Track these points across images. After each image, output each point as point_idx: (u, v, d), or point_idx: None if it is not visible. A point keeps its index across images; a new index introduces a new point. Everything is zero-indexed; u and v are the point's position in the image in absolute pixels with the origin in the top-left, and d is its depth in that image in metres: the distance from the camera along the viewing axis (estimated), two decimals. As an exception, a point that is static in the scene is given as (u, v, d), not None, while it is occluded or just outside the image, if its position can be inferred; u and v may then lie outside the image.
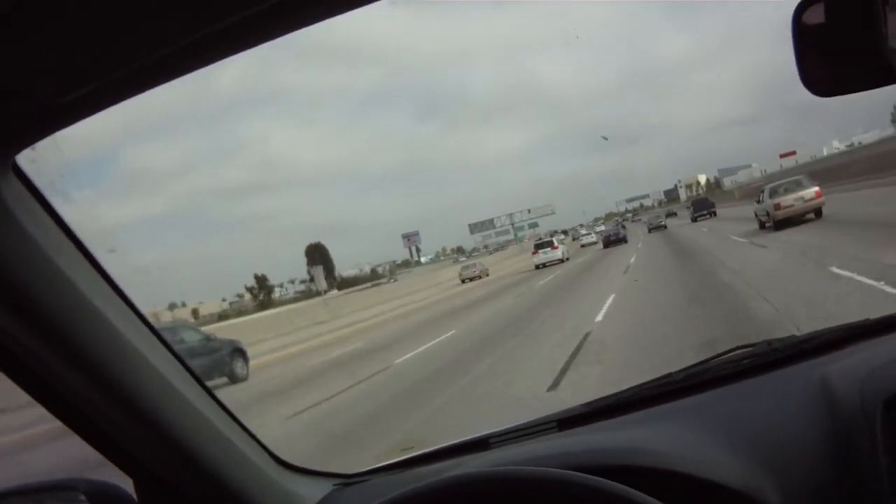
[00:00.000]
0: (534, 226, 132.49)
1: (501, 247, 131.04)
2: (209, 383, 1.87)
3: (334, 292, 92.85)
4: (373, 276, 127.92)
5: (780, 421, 1.78)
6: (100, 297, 1.53)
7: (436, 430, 9.50)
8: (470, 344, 17.66)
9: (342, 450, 9.33)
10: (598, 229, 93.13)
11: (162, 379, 1.67)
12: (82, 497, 1.75)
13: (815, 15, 1.48)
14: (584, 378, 10.27)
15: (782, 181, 29.03)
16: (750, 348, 2.24)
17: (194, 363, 1.96)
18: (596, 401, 2.26)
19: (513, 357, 14.28)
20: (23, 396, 1.62)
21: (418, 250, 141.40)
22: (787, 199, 25.83)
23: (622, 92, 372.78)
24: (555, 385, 10.28)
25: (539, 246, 54.67)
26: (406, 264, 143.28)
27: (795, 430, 1.72)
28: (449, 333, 20.92)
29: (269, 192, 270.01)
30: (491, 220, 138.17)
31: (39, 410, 1.67)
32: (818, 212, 25.66)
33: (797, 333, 2.32)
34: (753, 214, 30.40)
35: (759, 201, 29.27)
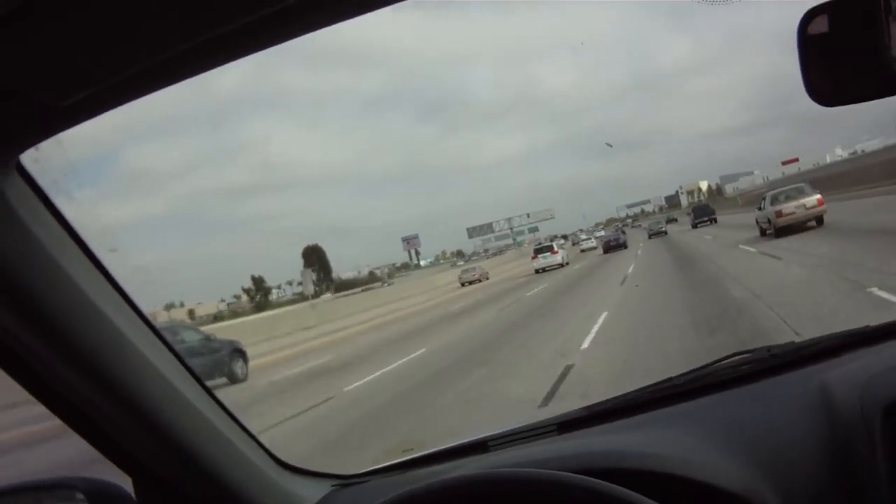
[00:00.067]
0: (534, 230, 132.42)
1: (500, 251, 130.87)
2: (208, 383, 1.87)
3: (327, 296, 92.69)
4: (370, 279, 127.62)
5: (780, 426, 1.78)
6: (101, 297, 1.54)
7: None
8: (433, 370, 15.53)
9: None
10: (597, 234, 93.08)
11: (162, 378, 1.67)
12: (81, 496, 1.75)
13: (820, 25, 1.49)
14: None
15: (784, 188, 29.06)
16: (749, 354, 2.23)
17: (194, 363, 1.96)
18: (596, 404, 2.26)
19: (473, 395, 11.77)
20: (20, 394, 1.62)
21: (417, 253, 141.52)
22: (789, 207, 25.82)
23: (625, 97, 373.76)
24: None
25: (539, 250, 54.56)
26: (405, 267, 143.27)
27: (795, 435, 1.73)
28: (418, 352, 18.97)
29: (271, 193, 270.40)
30: (489, 225, 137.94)
31: (38, 408, 1.67)
32: (820, 219, 25.66)
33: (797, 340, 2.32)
34: (755, 221, 30.36)
35: (760, 208, 29.28)
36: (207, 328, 28.23)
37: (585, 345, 13.62)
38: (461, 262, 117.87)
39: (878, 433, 1.54)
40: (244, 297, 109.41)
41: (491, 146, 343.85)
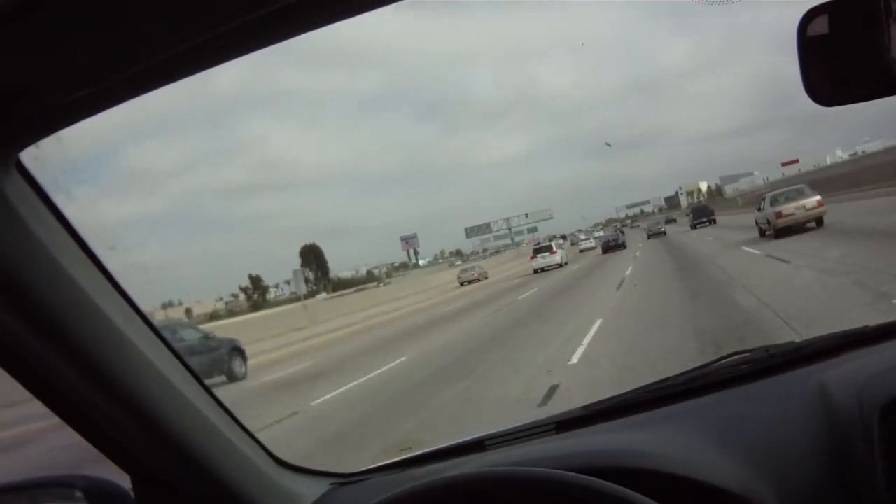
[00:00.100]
0: (533, 230, 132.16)
1: (498, 251, 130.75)
2: (206, 382, 1.87)
3: (323, 295, 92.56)
4: (369, 278, 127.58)
5: (778, 426, 1.79)
6: (101, 295, 1.54)
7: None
8: (408, 384, 14.34)
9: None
10: (596, 234, 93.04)
11: (161, 377, 1.67)
12: (79, 494, 1.76)
13: (820, 26, 1.50)
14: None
15: (784, 189, 29.05)
16: (748, 353, 2.24)
17: (192, 361, 1.96)
18: (594, 403, 2.26)
19: (443, 418, 10.44)
20: (18, 392, 1.62)
21: (416, 253, 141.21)
22: (789, 208, 25.78)
23: (625, 98, 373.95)
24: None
25: (538, 250, 54.55)
26: (404, 267, 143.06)
27: (793, 435, 1.73)
28: (397, 361, 17.92)
29: (270, 192, 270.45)
30: (487, 225, 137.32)
31: (36, 406, 1.67)
32: (819, 221, 25.64)
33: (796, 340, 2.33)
34: (754, 222, 30.33)
35: (759, 209, 29.26)
36: (202, 327, 28.14)
37: (574, 359, 12.25)
38: (458, 263, 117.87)
39: (875, 432, 1.54)
40: (242, 297, 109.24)
41: (490, 146, 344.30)
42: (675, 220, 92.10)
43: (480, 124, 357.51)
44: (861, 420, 1.59)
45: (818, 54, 1.51)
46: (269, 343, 31.82)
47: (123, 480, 1.81)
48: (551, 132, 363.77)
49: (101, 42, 1.12)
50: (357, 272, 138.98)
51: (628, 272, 29.74)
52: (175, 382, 1.71)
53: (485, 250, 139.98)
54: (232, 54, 1.26)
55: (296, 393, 16.53)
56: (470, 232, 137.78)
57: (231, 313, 79.91)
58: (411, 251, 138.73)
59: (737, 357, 2.24)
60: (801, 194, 26.46)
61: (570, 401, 8.76)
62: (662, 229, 65.61)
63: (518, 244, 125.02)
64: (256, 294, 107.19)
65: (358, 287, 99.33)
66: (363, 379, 16.30)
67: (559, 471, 1.45)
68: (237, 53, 1.25)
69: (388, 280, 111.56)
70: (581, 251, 70.65)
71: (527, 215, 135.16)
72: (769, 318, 11.37)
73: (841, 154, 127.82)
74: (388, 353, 20.11)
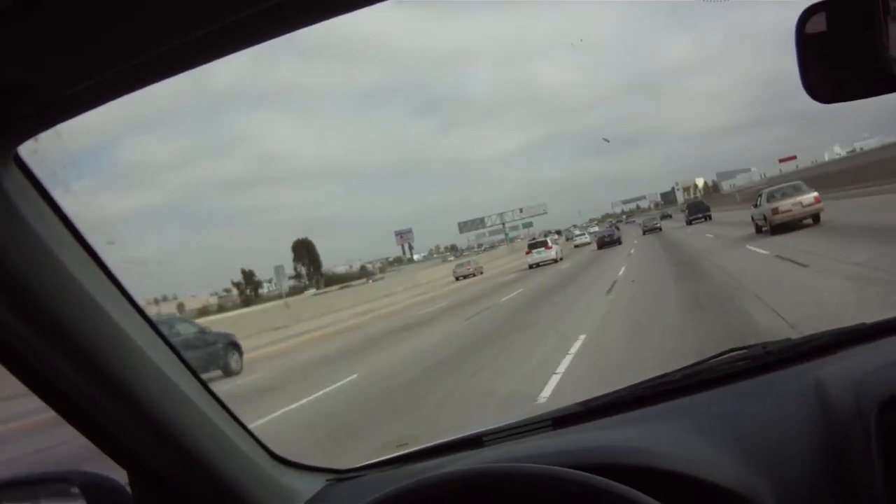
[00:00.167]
0: (528, 226, 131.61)
1: (492, 246, 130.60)
2: (202, 376, 1.87)
3: (312, 291, 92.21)
4: (362, 273, 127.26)
5: (775, 423, 1.79)
6: (98, 289, 1.54)
7: None
8: (348, 414, 11.91)
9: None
10: (591, 230, 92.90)
11: (159, 372, 1.67)
12: (76, 489, 1.75)
13: (818, 23, 1.50)
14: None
15: (780, 185, 29.04)
16: (745, 350, 2.25)
17: (189, 356, 1.96)
18: (591, 400, 2.27)
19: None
20: (15, 387, 1.62)
21: (411, 248, 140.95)
22: (786, 204, 25.68)
23: (622, 94, 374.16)
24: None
25: (533, 246, 54.35)
26: (398, 262, 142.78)
27: (790, 432, 1.73)
28: (348, 379, 15.45)
29: (267, 186, 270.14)
30: (481, 219, 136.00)
31: (32, 401, 1.66)
32: (816, 217, 25.59)
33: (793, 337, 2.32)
34: (750, 218, 30.29)
35: (756, 205, 29.19)
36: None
37: (545, 394, 9.84)
38: (451, 258, 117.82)
39: (873, 429, 1.54)
40: (235, 291, 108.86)
41: (487, 142, 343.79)
42: (670, 216, 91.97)
43: (477, 120, 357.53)
44: (858, 417, 1.59)
45: (816, 52, 1.51)
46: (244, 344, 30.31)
47: (120, 476, 1.81)
48: (548, 128, 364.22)
49: (99, 36, 1.13)
50: (351, 267, 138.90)
51: (621, 272, 27.63)
52: (172, 378, 1.71)
53: (480, 245, 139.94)
54: (230, 49, 1.26)
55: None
56: (463, 227, 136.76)
57: (221, 308, 79.45)
58: (406, 246, 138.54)
59: (734, 354, 2.24)
60: (797, 191, 26.40)
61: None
62: (658, 225, 65.42)
63: (512, 240, 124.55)
64: (249, 289, 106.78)
65: (343, 284, 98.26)
66: (305, 400, 13.92)
67: (556, 467, 1.45)
68: (236, 48, 1.26)
69: (380, 275, 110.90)
70: (576, 246, 70.58)
71: (521, 210, 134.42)
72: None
73: (839, 151, 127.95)
74: (344, 365, 17.99)
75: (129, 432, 1.70)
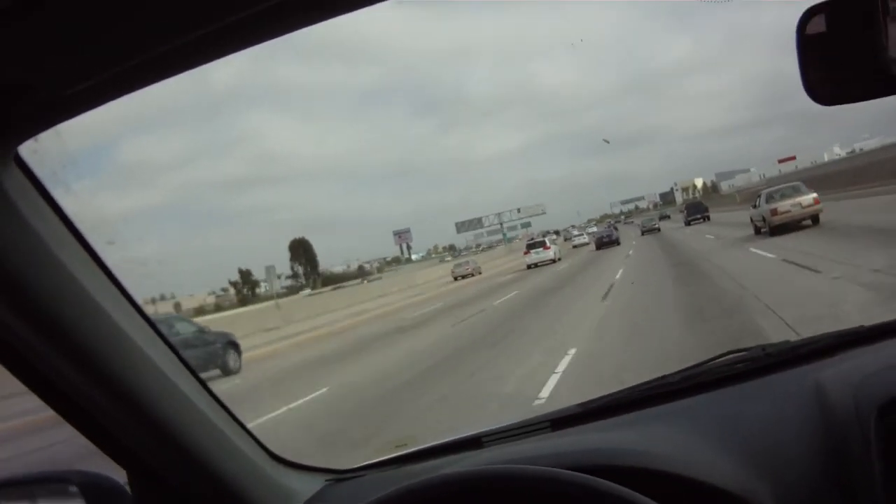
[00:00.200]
0: (526, 226, 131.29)
1: (490, 247, 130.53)
2: (201, 375, 1.87)
3: (307, 291, 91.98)
4: (359, 273, 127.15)
5: (774, 425, 1.79)
6: (98, 289, 1.54)
7: None
8: (308, 434, 10.93)
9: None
10: (590, 230, 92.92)
11: (159, 371, 1.68)
12: (75, 489, 1.75)
13: (819, 25, 1.50)
14: None
15: (779, 186, 29.01)
16: (744, 352, 2.25)
17: (187, 355, 1.97)
18: (590, 401, 2.27)
19: None
20: (14, 386, 1.62)
21: (409, 248, 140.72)
22: (785, 205, 25.64)
23: (622, 94, 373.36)
24: None
25: (531, 246, 54.33)
26: (396, 261, 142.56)
27: (789, 434, 1.73)
28: (317, 393, 14.39)
29: (266, 186, 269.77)
30: (479, 219, 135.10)
31: (30, 401, 1.66)
32: (815, 219, 25.57)
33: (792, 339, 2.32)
34: (749, 219, 30.27)
35: (755, 206, 29.18)
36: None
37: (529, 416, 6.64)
38: (448, 258, 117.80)
39: (872, 432, 1.54)
40: (231, 291, 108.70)
41: (486, 142, 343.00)
42: (668, 217, 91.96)
43: (477, 120, 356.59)
44: (857, 419, 1.59)
45: (817, 53, 1.51)
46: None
47: (119, 476, 1.81)
48: (548, 128, 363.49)
49: (99, 36, 1.13)
50: (349, 267, 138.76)
51: (618, 276, 26.36)
52: (172, 378, 1.71)
53: (478, 245, 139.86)
54: (230, 49, 1.26)
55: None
56: (461, 227, 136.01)
57: (218, 308, 79.24)
58: (404, 246, 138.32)
59: (733, 356, 2.24)
60: (797, 191, 26.39)
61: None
62: (656, 226, 65.33)
63: (510, 240, 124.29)
64: (246, 288, 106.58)
65: (336, 285, 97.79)
66: (268, 416, 12.76)
67: (555, 469, 1.45)
68: (236, 48, 1.26)
69: (377, 275, 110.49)
70: (574, 247, 70.56)
71: (518, 210, 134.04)
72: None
73: (838, 151, 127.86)
74: (319, 375, 17.03)
75: (128, 432, 1.70)
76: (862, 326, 2.18)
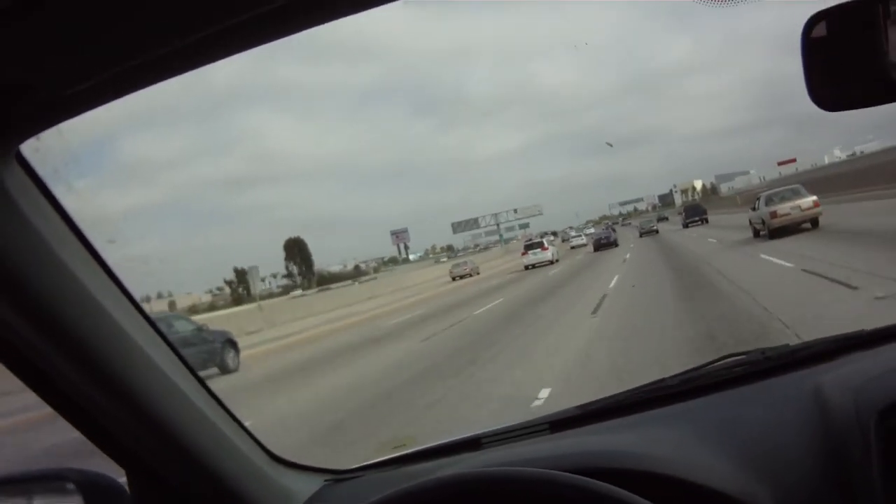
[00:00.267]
0: (525, 227, 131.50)
1: (486, 247, 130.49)
2: (199, 373, 1.87)
3: (297, 292, 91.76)
4: (356, 273, 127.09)
5: (774, 429, 1.79)
6: (99, 287, 1.54)
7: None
8: None
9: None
10: (587, 232, 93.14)
11: (158, 370, 1.67)
12: (72, 486, 1.74)
13: (823, 31, 1.51)
14: None
15: (779, 189, 29.02)
16: (743, 356, 2.24)
17: (186, 353, 1.96)
18: (589, 404, 2.26)
19: None
20: (13, 384, 1.61)
21: (406, 248, 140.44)
22: (784, 208, 25.66)
23: (622, 94, 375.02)
24: None
25: (529, 246, 54.50)
26: (393, 261, 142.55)
27: (789, 437, 1.73)
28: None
29: (266, 185, 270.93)
30: (475, 220, 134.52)
31: (27, 398, 1.65)
32: (815, 222, 25.59)
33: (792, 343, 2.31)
34: (748, 222, 30.24)
35: (754, 209, 29.18)
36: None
37: None
38: (444, 259, 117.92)
39: (872, 436, 1.54)
40: (227, 290, 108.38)
41: (484, 143, 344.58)
42: (666, 219, 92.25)
43: (476, 120, 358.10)
44: (857, 423, 1.59)
45: (822, 60, 1.51)
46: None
47: (118, 475, 1.81)
48: (547, 129, 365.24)
49: (99, 36, 1.13)
50: (345, 266, 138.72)
51: (612, 283, 24.26)
52: (172, 376, 1.71)
53: (476, 245, 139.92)
54: (231, 51, 1.26)
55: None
56: (457, 227, 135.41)
57: (211, 307, 79.06)
58: (401, 246, 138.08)
59: (732, 359, 2.24)
60: (796, 194, 26.43)
61: None
62: (654, 227, 65.50)
63: (507, 241, 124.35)
64: (241, 287, 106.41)
65: (322, 287, 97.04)
66: None
67: (553, 471, 1.45)
68: (236, 50, 1.26)
69: (373, 275, 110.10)
70: (572, 248, 70.82)
71: (515, 211, 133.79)
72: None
73: (839, 154, 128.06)
74: (262, 396, 15.42)
75: (127, 430, 1.70)
76: (862, 330, 2.17)
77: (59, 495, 1.75)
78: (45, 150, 1.40)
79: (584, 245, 68.79)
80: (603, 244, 55.67)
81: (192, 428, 1.76)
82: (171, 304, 72.35)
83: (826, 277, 13.56)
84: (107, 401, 1.60)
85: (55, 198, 1.46)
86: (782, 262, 17.72)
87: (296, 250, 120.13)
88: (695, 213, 61.98)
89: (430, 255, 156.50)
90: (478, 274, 58.74)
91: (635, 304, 18.20)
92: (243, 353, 23.66)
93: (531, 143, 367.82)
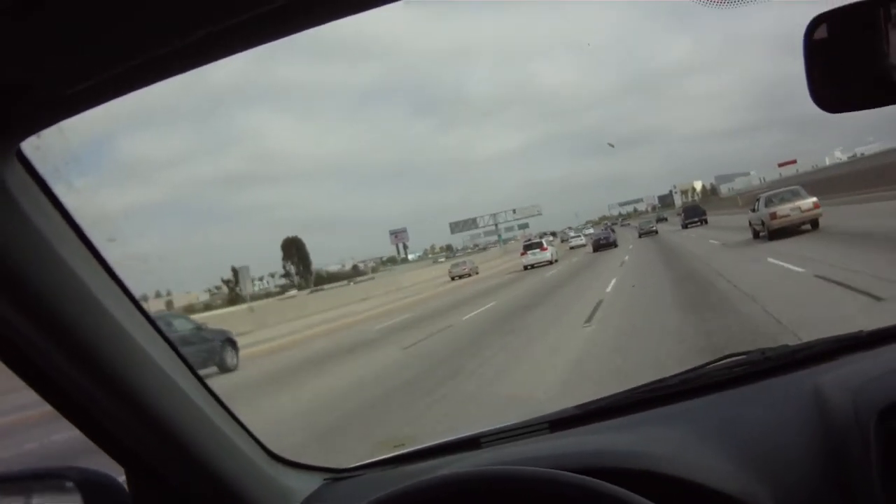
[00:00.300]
0: (524, 227, 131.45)
1: (484, 248, 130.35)
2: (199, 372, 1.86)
3: (294, 292, 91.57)
4: (354, 273, 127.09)
5: (773, 429, 1.79)
6: (99, 286, 1.54)
7: None
8: None
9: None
10: (587, 232, 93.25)
11: (158, 369, 1.67)
12: (72, 485, 1.74)
13: (825, 33, 1.51)
14: None
15: (779, 190, 28.99)
16: (743, 356, 2.24)
17: (185, 351, 1.96)
18: (588, 403, 2.26)
19: None
20: (12, 381, 1.61)
21: (405, 247, 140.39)
22: (784, 209, 25.59)
23: (622, 94, 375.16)
24: None
25: (528, 247, 54.45)
26: (392, 261, 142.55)
27: (788, 438, 1.73)
28: None
29: (266, 184, 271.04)
30: (473, 220, 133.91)
31: (26, 396, 1.64)
32: (815, 223, 25.55)
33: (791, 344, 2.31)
34: (748, 223, 30.19)
35: (754, 210, 29.14)
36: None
37: None
38: (442, 259, 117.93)
39: (872, 436, 1.54)
40: (224, 288, 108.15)
41: (484, 143, 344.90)
42: (665, 220, 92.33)
43: (476, 120, 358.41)
44: (857, 424, 1.59)
45: (824, 61, 1.52)
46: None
47: (117, 473, 1.81)
48: (547, 129, 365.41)
49: (99, 36, 1.13)
50: (343, 266, 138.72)
51: (609, 288, 22.69)
52: (171, 375, 1.71)
53: (476, 245, 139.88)
54: (232, 51, 1.26)
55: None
56: (455, 227, 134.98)
57: (208, 307, 78.87)
58: (401, 245, 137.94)
59: (732, 359, 2.24)
60: (796, 195, 26.38)
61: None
62: (654, 228, 65.58)
63: (506, 241, 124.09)
64: (238, 287, 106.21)
65: (315, 287, 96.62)
66: None
67: (553, 470, 1.45)
68: (237, 50, 1.26)
69: (371, 275, 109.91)
70: (571, 248, 70.86)
71: (514, 211, 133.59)
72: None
73: (840, 155, 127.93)
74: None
75: (127, 429, 1.69)
76: (861, 331, 2.17)
77: (59, 493, 1.75)
78: (46, 148, 1.40)
79: (583, 245, 68.80)
80: (602, 245, 55.67)
81: (191, 426, 1.76)
82: (169, 304, 72.23)
83: (843, 285, 12.38)
84: (106, 399, 1.60)
85: (55, 196, 1.46)
86: (791, 267, 16.49)
87: (293, 250, 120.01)
88: (694, 214, 61.98)
89: (430, 255, 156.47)
90: (477, 274, 58.76)
91: (634, 311, 16.67)
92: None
93: (531, 143, 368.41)
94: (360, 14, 1.23)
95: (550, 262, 49.92)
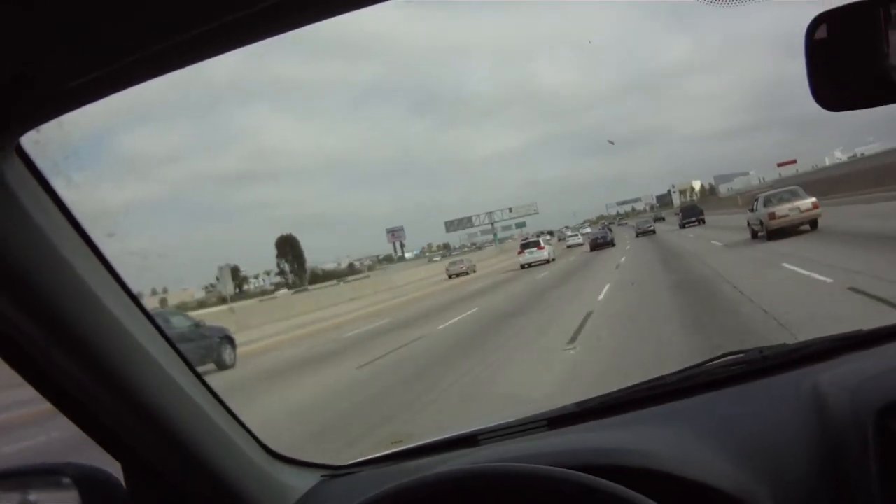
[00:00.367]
0: (521, 226, 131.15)
1: (480, 246, 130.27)
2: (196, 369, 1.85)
3: (283, 291, 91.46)
4: (349, 271, 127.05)
5: (771, 427, 1.79)
6: (97, 281, 1.54)
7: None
8: None
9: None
10: (584, 231, 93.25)
11: (156, 365, 1.67)
12: (69, 481, 1.74)
13: (825, 33, 1.51)
14: None
15: (778, 190, 28.95)
16: (741, 354, 2.24)
17: (183, 348, 1.96)
18: (587, 401, 2.26)
19: None
20: (10, 378, 1.61)
21: (402, 246, 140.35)
22: (783, 209, 25.52)
23: (621, 94, 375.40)
24: None
25: (525, 245, 54.54)
26: (388, 259, 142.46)
27: (786, 436, 1.73)
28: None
29: (265, 181, 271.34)
30: (469, 218, 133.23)
31: (24, 393, 1.64)
32: (814, 223, 25.50)
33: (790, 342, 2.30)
34: (746, 223, 30.15)
35: (752, 210, 29.10)
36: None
37: None
38: (437, 258, 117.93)
39: (870, 435, 1.54)
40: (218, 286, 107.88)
41: (482, 142, 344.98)
42: (663, 219, 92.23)
43: (473, 120, 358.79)
44: (855, 423, 1.59)
45: (825, 60, 1.52)
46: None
47: (114, 469, 1.81)
48: (547, 128, 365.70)
49: (100, 31, 1.12)
50: (339, 264, 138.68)
51: (602, 295, 20.82)
52: (169, 371, 1.71)
53: (472, 244, 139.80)
54: (231, 46, 1.26)
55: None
56: (450, 226, 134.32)
57: (202, 305, 78.71)
58: (398, 244, 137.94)
59: (730, 358, 2.24)
60: (795, 196, 26.33)
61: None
62: (651, 227, 65.59)
63: (502, 240, 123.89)
64: (234, 285, 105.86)
65: (298, 288, 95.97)
66: None
67: (551, 467, 1.45)
68: (236, 45, 1.25)
69: (366, 273, 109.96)
70: (568, 247, 70.87)
71: (510, 210, 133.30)
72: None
73: (840, 155, 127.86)
74: None
75: (125, 425, 1.69)
76: (860, 330, 2.18)
77: (56, 489, 1.75)
78: (45, 142, 1.40)
79: (581, 244, 68.84)
80: (599, 244, 55.72)
81: (188, 423, 1.76)
82: (163, 302, 72.05)
83: (882, 300, 10.25)
84: (104, 395, 1.60)
85: (55, 191, 1.47)
86: (817, 276, 13.87)
87: (287, 248, 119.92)
88: (691, 214, 62.06)
89: (427, 254, 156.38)
90: (474, 272, 58.93)
91: (626, 334, 13.84)
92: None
93: (530, 143, 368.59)
94: (359, 11, 1.23)
95: (547, 261, 50.04)
